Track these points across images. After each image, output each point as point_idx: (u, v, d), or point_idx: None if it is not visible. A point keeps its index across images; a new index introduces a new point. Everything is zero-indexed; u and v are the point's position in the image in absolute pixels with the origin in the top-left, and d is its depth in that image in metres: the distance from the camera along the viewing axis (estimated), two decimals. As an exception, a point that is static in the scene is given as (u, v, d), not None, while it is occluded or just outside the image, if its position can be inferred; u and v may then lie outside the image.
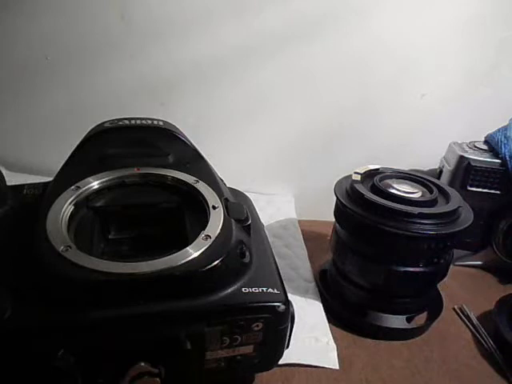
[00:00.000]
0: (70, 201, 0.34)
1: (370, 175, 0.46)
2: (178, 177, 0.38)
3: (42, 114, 0.62)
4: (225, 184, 0.41)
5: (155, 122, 0.42)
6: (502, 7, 0.58)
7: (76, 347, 0.26)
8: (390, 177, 0.46)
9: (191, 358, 0.28)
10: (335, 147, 0.64)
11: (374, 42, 0.58)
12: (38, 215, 0.32)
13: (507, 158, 0.51)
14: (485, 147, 0.54)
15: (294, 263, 0.53)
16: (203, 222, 0.33)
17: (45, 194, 0.36)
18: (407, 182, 0.46)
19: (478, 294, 0.52)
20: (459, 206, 0.41)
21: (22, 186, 0.39)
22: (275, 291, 0.30)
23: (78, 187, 0.35)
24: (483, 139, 0.56)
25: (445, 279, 0.45)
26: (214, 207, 0.34)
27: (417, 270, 0.41)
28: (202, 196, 0.36)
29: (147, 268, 0.28)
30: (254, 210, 0.42)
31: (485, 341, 0.44)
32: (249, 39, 0.58)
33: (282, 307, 0.30)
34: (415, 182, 0.46)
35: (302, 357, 0.39)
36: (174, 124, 0.43)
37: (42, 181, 0.40)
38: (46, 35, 0.57)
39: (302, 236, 0.59)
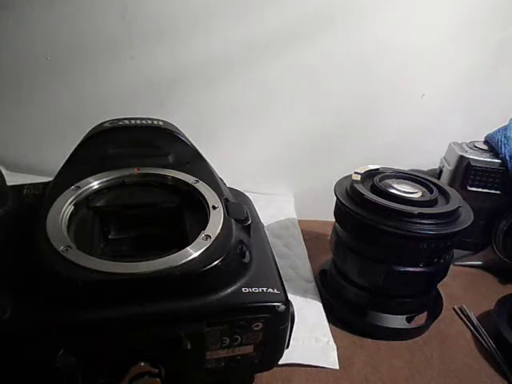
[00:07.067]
0: (70, 201, 0.34)
1: (370, 175, 0.46)
2: (178, 177, 0.38)
3: (41, 113, 0.62)
4: (225, 184, 0.41)
5: (155, 122, 0.42)
6: (501, 7, 0.58)
7: (76, 347, 0.26)
8: (390, 177, 0.46)
9: (191, 357, 0.28)
10: (335, 147, 0.64)
11: (374, 41, 0.58)
12: (38, 215, 0.32)
13: (507, 158, 0.51)
14: (485, 147, 0.54)
15: (294, 263, 0.53)
16: (203, 222, 0.33)
17: (45, 194, 0.36)
18: (407, 181, 0.46)
19: (478, 294, 0.52)
20: (459, 206, 0.41)
21: (22, 186, 0.39)
22: (275, 291, 0.30)
23: (78, 187, 0.35)
24: (483, 139, 0.56)
25: (445, 279, 0.44)
26: (213, 207, 0.34)
27: (417, 270, 0.41)
28: (202, 196, 0.36)
29: (147, 268, 0.28)
30: (254, 210, 0.42)
31: (485, 341, 0.44)
32: (248, 39, 0.58)
33: (282, 307, 0.30)
34: (415, 182, 0.46)
35: (302, 357, 0.39)
36: (173, 124, 0.43)
37: (42, 181, 0.40)
38: (46, 35, 0.57)
39: (301, 236, 0.59)
